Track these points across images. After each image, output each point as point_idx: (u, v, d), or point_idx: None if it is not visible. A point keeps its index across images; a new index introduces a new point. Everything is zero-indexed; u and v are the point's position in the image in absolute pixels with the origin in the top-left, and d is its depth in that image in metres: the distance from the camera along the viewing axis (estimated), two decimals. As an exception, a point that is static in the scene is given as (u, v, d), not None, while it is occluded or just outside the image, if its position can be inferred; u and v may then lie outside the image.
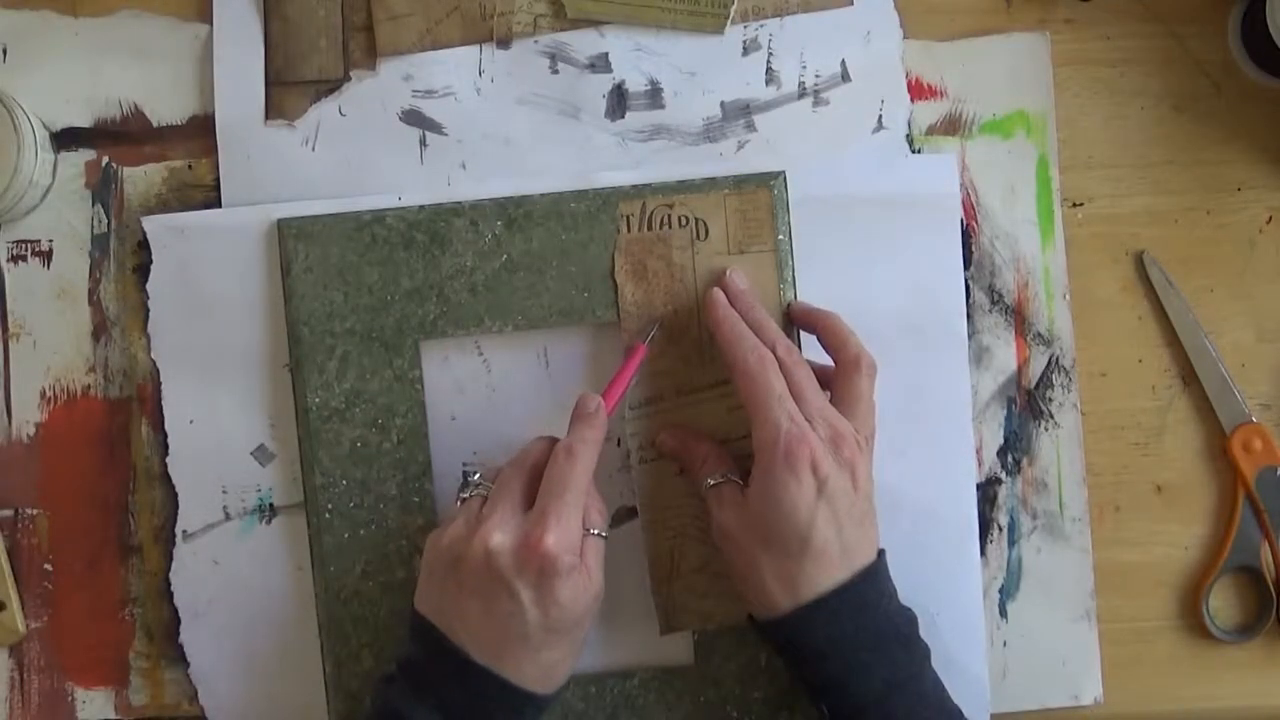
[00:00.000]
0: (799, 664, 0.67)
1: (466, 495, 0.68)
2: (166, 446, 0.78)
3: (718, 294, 0.72)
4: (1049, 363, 0.78)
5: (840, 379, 0.70)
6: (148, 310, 0.78)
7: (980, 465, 0.78)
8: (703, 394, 0.75)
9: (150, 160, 0.79)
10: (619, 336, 0.75)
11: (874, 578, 0.67)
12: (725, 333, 0.70)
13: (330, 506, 0.76)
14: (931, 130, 0.78)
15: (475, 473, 0.70)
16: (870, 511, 0.68)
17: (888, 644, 0.66)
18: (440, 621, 0.66)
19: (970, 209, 0.78)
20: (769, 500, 0.66)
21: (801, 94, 0.78)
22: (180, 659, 0.78)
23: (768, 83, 0.78)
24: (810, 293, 0.76)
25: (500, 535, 0.64)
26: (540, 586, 0.64)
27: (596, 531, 0.68)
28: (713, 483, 0.70)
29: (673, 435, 0.74)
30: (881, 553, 0.68)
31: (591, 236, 0.75)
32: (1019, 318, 0.78)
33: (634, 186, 0.76)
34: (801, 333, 0.75)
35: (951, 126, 0.78)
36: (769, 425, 0.66)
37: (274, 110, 0.78)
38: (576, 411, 0.70)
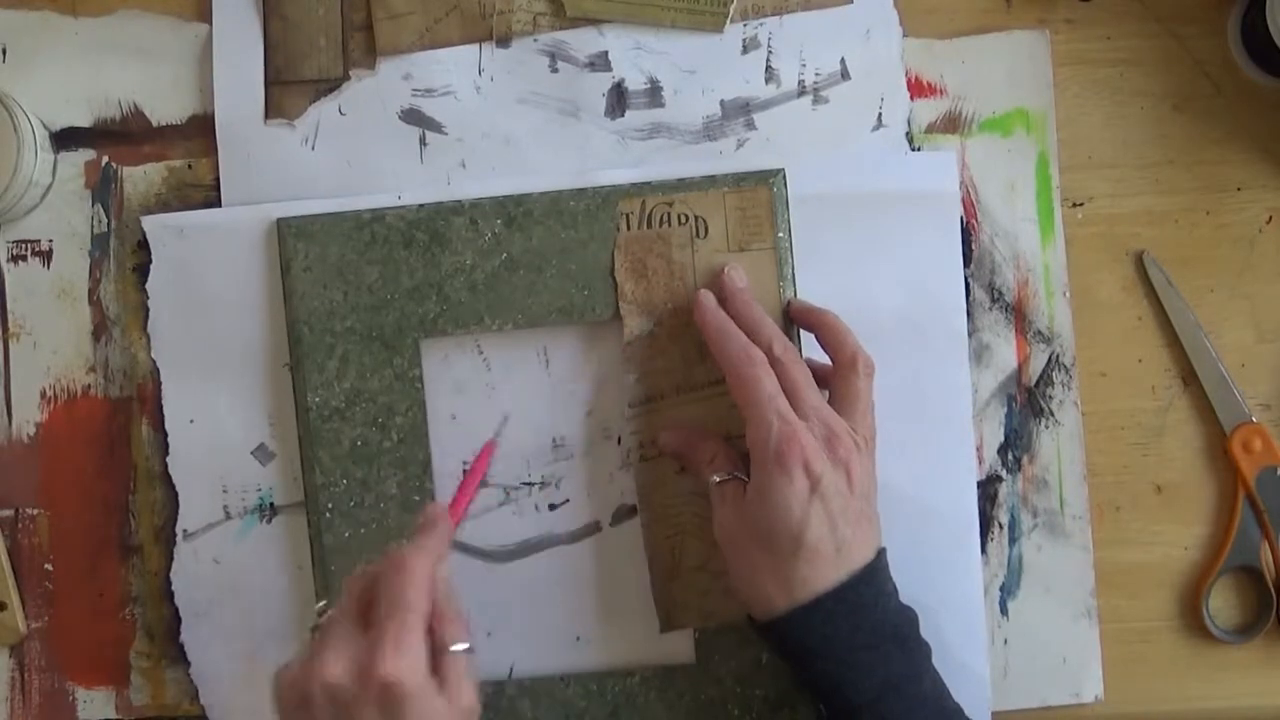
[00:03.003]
0: (796, 665, 0.67)
1: (314, 626, 0.64)
2: (166, 446, 0.78)
3: (705, 295, 0.72)
4: (1049, 360, 0.78)
5: (838, 378, 0.70)
6: (148, 310, 0.78)
7: (981, 463, 0.78)
8: (703, 391, 0.75)
9: (150, 160, 0.79)
10: (619, 334, 0.75)
11: (872, 577, 0.67)
12: (712, 333, 0.70)
13: (330, 506, 0.76)
14: (931, 128, 0.78)
15: (326, 606, 0.65)
16: (868, 511, 0.68)
17: (884, 644, 0.66)
18: None
19: (970, 207, 0.78)
20: (762, 499, 0.66)
21: (801, 92, 0.78)
22: (181, 658, 0.78)
23: (767, 81, 0.78)
24: (810, 291, 0.76)
25: (336, 666, 0.59)
26: (390, 716, 0.59)
27: (457, 647, 0.62)
28: (718, 480, 0.70)
29: (675, 434, 0.74)
30: (882, 551, 0.68)
31: (591, 235, 0.75)
32: (1019, 315, 0.78)
33: (633, 185, 0.76)
34: (801, 331, 0.75)
35: (951, 124, 0.78)
36: (760, 424, 0.66)
37: (274, 110, 0.78)
38: (419, 520, 0.66)
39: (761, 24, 0.78)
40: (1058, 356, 0.78)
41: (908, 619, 0.68)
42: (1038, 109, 0.78)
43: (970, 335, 0.77)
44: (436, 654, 0.61)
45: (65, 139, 0.79)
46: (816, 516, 0.65)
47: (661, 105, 0.78)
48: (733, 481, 0.69)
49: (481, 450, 0.72)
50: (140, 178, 0.79)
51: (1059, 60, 0.78)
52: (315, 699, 0.59)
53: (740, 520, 0.68)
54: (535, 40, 0.78)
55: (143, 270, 0.78)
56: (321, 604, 0.66)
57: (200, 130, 0.79)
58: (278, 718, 0.62)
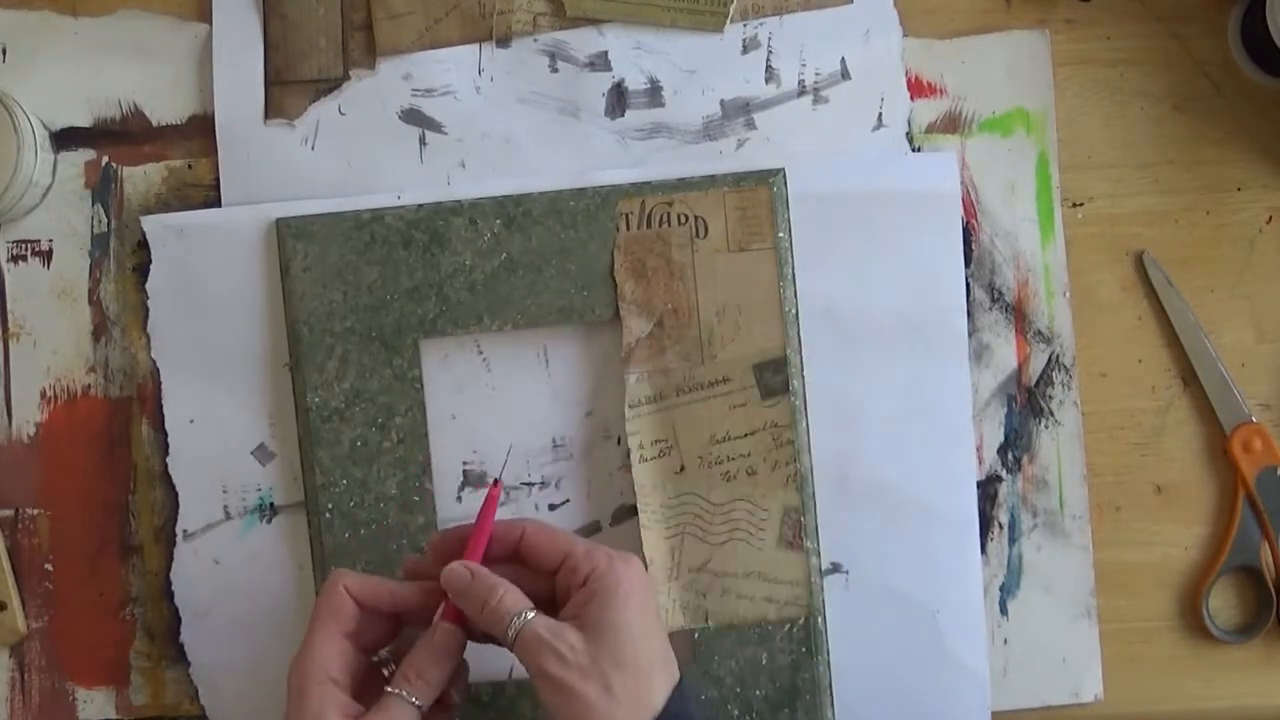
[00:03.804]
0: None
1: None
2: (166, 446, 0.78)
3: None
4: (1049, 360, 0.78)
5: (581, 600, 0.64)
6: (148, 310, 0.78)
7: (980, 463, 0.78)
8: (703, 392, 0.75)
9: (150, 160, 0.79)
10: (619, 335, 0.75)
11: (688, 693, 0.65)
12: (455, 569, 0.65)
13: (330, 506, 0.76)
14: (931, 128, 0.78)
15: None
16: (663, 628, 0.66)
17: None
18: None
19: (970, 207, 0.78)
20: (615, 625, 0.62)
21: (801, 92, 0.78)
22: (181, 659, 0.78)
23: (767, 81, 0.78)
24: (810, 290, 0.76)
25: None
26: (292, 715, 0.63)
27: (405, 694, 0.63)
28: (531, 616, 0.63)
29: (452, 573, 0.65)
30: (681, 676, 0.64)
31: (591, 235, 0.75)
32: (1019, 315, 0.78)
33: (633, 185, 0.76)
34: (803, 332, 0.75)
35: (951, 124, 0.78)
36: (592, 556, 0.64)
37: (274, 110, 0.78)
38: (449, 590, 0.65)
39: (761, 24, 0.78)
40: (1058, 356, 0.78)
41: None
42: (1038, 109, 0.78)
43: (970, 335, 0.77)
44: (386, 693, 0.63)
45: (65, 139, 0.79)
46: (654, 629, 0.64)
47: (661, 105, 0.78)
48: (543, 617, 0.64)
49: (487, 498, 0.67)
50: (140, 178, 0.79)
51: (1059, 60, 0.78)
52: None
53: (569, 655, 0.62)
54: (535, 40, 0.78)
55: (143, 270, 0.78)
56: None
57: (200, 130, 0.79)
58: None
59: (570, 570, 0.64)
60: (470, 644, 0.65)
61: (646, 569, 0.67)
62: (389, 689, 0.63)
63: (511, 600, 0.63)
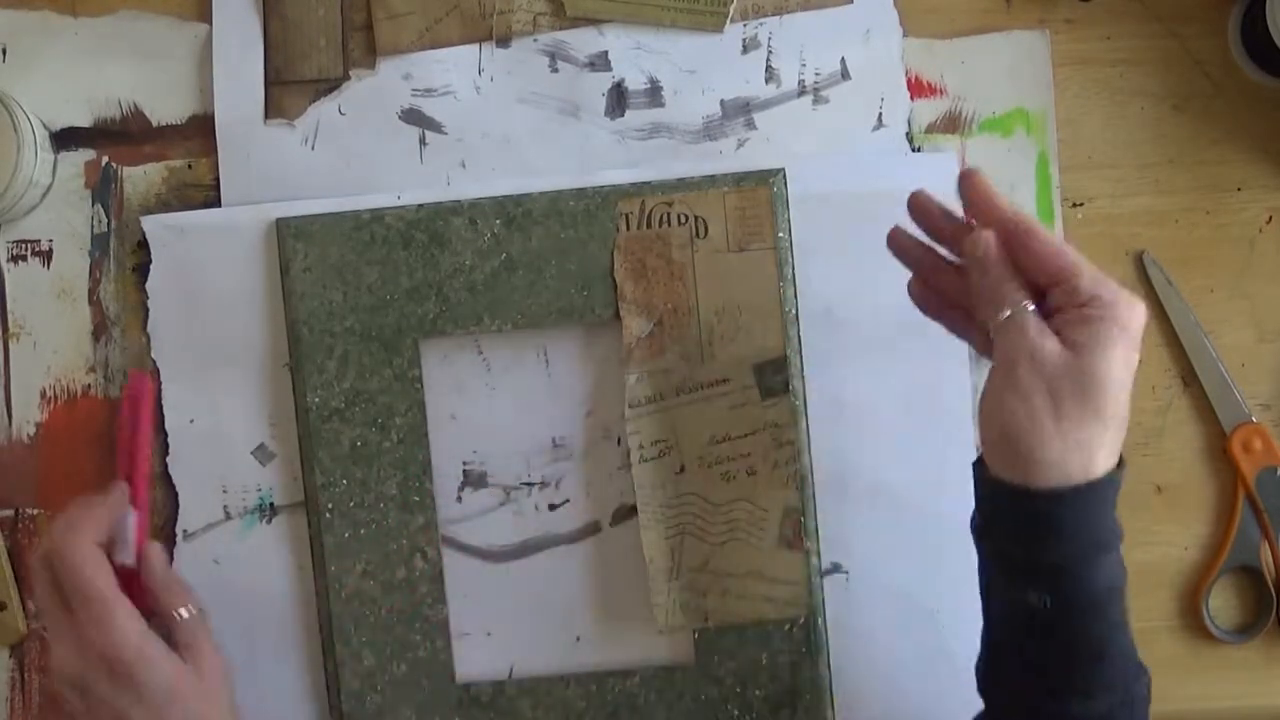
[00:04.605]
0: (1035, 538, 0.60)
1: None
2: (166, 446, 0.78)
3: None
4: (1049, 361, 0.78)
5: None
6: (148, 310, 0.78)
7: (980, 464, 0.78)
8: (703, 392, 0.75)
9: (150, 160, 0.79)
10: (619, 335, 0.75)
11: (1119, 479, 0.61)
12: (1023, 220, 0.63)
13: (330, 506, 0.76)
14: (931, 128, 0.78)
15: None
16: None
17: (1113, 550, 0.61)
18: None
19: (970, 207, 0.78)
20: (1098, 354, 0.59)
21: (801, 92, 0.78)
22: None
23: (767, 81, 0.78)
24: (810, 291, 0.76)
25: (64, 661, 0.64)
26: (117, 684, 0.63)
27: (181, 613, 0.67)
28: (1025, 304, 0.61)
29: (982, 247, 0.62)
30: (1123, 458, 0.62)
31: (591, 235, 0.75)
32: (1019, 316, 0.78)
33: (633, 185, 0.76)
34: (803, 332, 0.75)
35: (951, 124, 0.78)
36: (1097, 282, 0.60)
37: (274, 110, 0.78)
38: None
39: (761, 24, 0.78)
40: (1058, 356, 0.78)
41: (1121, 534, 0.62)
42: (1038, 109, 0.78)
43: (970, 335, 0.77)
44: (168, 623, 0.66)
45: (65, 139, 0.79)
46: (1127, 391, 0.60)
47: (661, 105, 0.78)
48: (1040, 320, 0.61)
49: (135, 392, 0.68)
50: (140, 178, 0.79)
51: (1059, 60, 0.78)
52: (64, 694, 0.64)
53: (1060, 360, 0.59)
54: (535, 40, 0.78)
55: (143, 270, 0.78)
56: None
57: (200, 130, 0.79)
58: None
59: (1070, 289, 0.60)
60: (193, 608, 0.67)
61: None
62: (180, 613, 0.66)
63: (1018, 287, 0.61)
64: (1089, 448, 0.59)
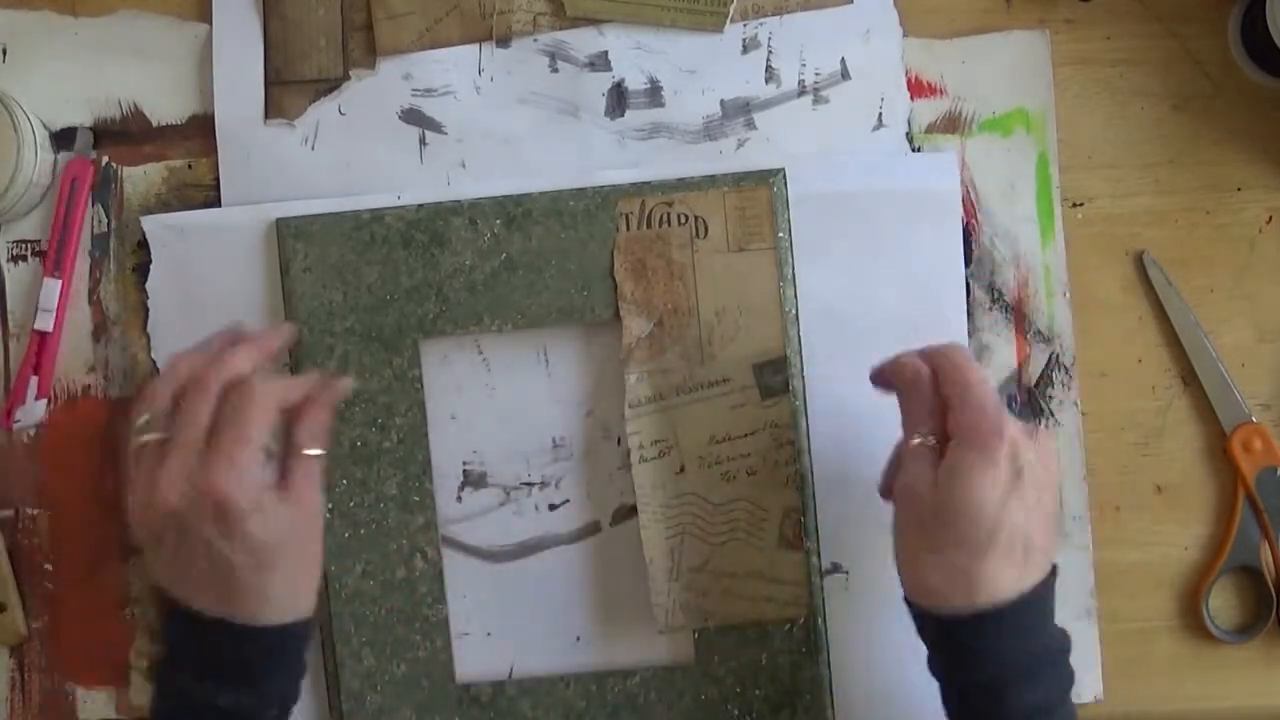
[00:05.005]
0: (953, 663, 0.64)
1: (140, 442, 0.64)
2: (166, 446, 0.78)
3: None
4: (1049, 361, 0.78)
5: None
6: (148, 310, 0.78)
7: (980, 464, 0.78)
8: (703, 392, 0.75)
9: (150, 160, 0.79)
10: (619, 335, 0.75)
11: (1047, 594, 0.64)
12: (902, 357, 0.68)
13: (330, 506, 0.76)
14: (931, 128, 0.78)
15: (143, 416, 0.64)
16: (1054, 516, 0.65)
17: (1046, 666, 0.63)
18: (173, 590, 0.63)
19: (970, 206, 0.78)
20: (960, 485, 0.61)
21: (801, 92, 0.78)
22: (180, 658, 0.78)
23: (767, 81, 0.78)
24: (810, 291, 0.76)
25: (173, 494, 0.61)
26: (223, 528, 0.61)
27: (308, 451, 0.65)
28: (918, 440, 0.65)
29: (902, 368, 0.67)
30: (1055, 568, 0.65)
31: (591, 235, 0.75)
32: (1019, 315, 0.78)
33: (633, 185, 0.76)
34: (803, 332, 0.75)
35: (951, 124, 0.78)
36: (971, 406, 0.62)
37: (274, 110, 0.78)
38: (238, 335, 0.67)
39: (761, 24, 0.78)
40: (1058, 357, 0.78)
41: (1065, 641, 0.65)
42: (1038, 109, 0.78)
43: (970, 335, 0.77)
44: (290, 456, 0.64)
45: (65, 139, 0.79)
46: (1013, 511, 0.61)
47: (661, 105, 0.78)
48: (934, 451, 0.64)
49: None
50: (140, 178, 0.79)
51: (1059, 60, 0.78)
52: (164, 529, 0.62)
53: (931, 497, 0.63)
54: (535, 40, 0.78)
55: (143, 270, 0.78)
56: (144, 419, 0.65)
57: (200, 130, 0.79)
58: (145, 551, 0.65)
59: (952, 422, 0.64)
60: (324, 450, 0.66)
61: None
62: (308, 451, 0.65)
63: (927, 419, 0.65)
64: (968, 575, 0.62)
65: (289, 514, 0.63)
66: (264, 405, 0.63)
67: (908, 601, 0.66)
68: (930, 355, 0.66)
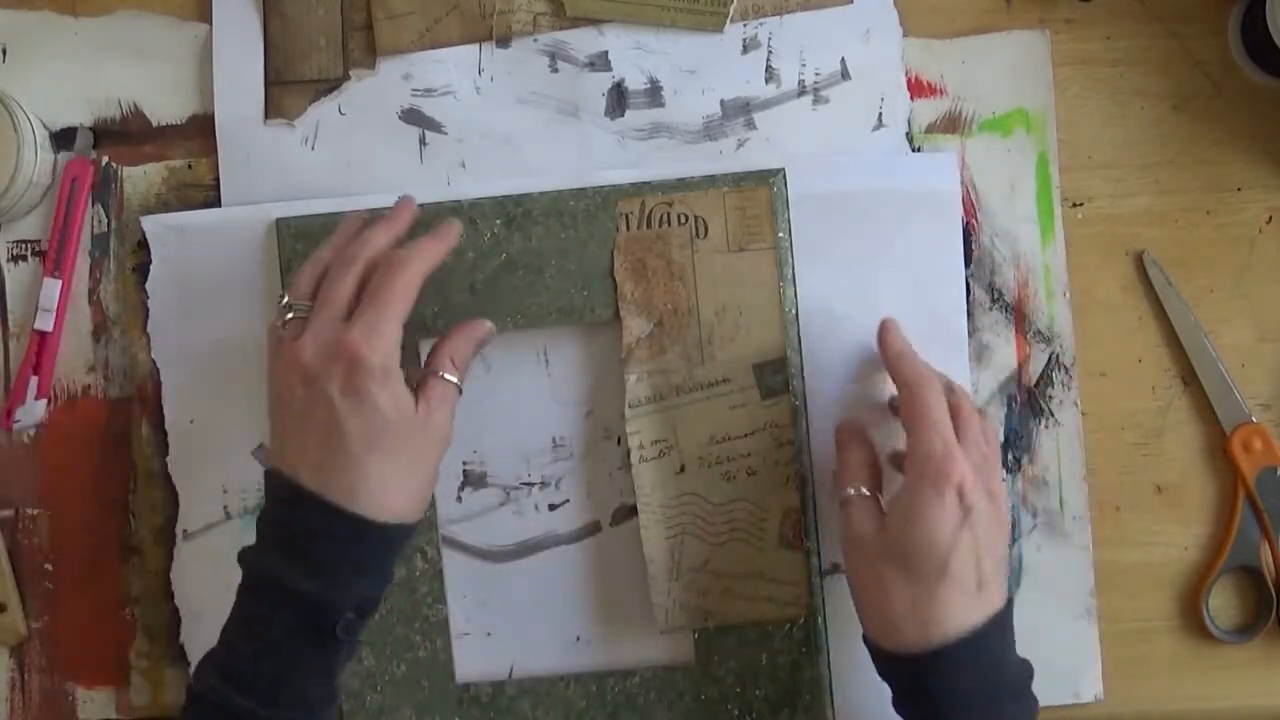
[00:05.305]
0: (908, 699, 0.66)
1: (281, 321, 0.66)
2: (166, 446, 0.78)
3: (891, 321, 0.72)
4: (1049, 360, 0.78)
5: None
6: (148, 310, 0.78)
7: (980, 464, 0.78)
8: (703, 392, 0.75)
9: (150, 160, 0.79)
10: (619, 335, 0.75)
11: (1004, 627, 0.65)
12: (892, 355, 0.70)
13: (330, 506, 0.76)
14: (931, 128, 0.78)
15: (284, 297, 0.66)
16: (1006, 553, 0.67)
17: (1004, 701, 0.64)
18: (281, 460, 0.64)
19: (970, 206, 0.78)
20: (910, 519, 0.64)
21: (801, 92, 0.78)
22: (181, 659, 0.78)
23: (767, 81, 0.78)
24: (810, 291, 0.76)
25: (309, 350, 0.63)
26: (349, 386, 0.62)
27: (446, 375, 0.66)
28: (852, 492, 0.68)
29: (842, 431, 0.72)
30: (1010, 601, 0.66)
31: (591, 235, 0.75)
32: (1019, 315, 0.78)
33: (633, 185, 0.76)
34: (803, 332, 0.75)
35: (951, 124, 0.78)
36: (922, 443, 0.65)
37: (273, 110, 0.78)
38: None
39: (761, 24, 0.78)
40: (1058, 356, 0.78)
41: (1025, 673, 0.66)
42: (1038, 109, 0.78)
43: (970, 335, 0.77)
44: (426, 375, 0.66)
45: (65, 139, 0.79)
46: (964, 545, 0.63)
47: (661, 105, 0.78)
48: (870, 499, 0.68)
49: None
50: (140, 178, 0.79)
51: (1059, 60, 0.78)
52: (293, 388, 0.63)
53: (879, 538, 0.66)
54: (535, 40, 0.78)
55: (143, 270, 0.78)
56: (285, 300, 0.66)
57: (200, 130, 0.79)
58: (271, 422, 0.66)
59: (908, 456, 0.66)
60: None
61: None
62: (438, 374, 0.66)
63: (860, 469, 0.69)
64: (923, 609, 0.63)
65: (415, 414, 0.64)
66: (408, 276, 0.64)
67: (867, 642, 0.67)
68: (903, 382, 0.69)
